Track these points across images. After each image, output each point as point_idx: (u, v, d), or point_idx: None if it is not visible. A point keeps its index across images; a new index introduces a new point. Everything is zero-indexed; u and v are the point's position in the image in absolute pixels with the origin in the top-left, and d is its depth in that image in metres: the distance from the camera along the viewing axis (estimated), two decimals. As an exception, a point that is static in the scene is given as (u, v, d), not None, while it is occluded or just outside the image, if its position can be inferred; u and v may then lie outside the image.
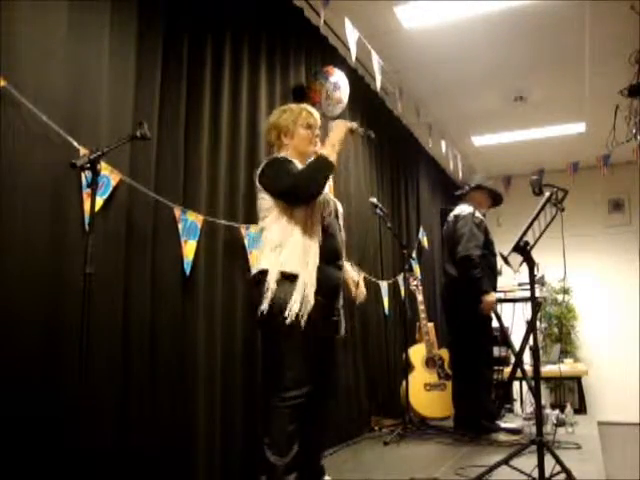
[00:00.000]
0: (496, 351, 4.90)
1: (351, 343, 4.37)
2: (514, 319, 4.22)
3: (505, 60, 4.91)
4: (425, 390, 4.71)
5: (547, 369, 6.01)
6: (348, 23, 3.86)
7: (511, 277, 4.28)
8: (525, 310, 4.21)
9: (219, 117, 3.09)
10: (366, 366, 4.66)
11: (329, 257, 2.55)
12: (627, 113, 4.13)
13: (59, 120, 2.15)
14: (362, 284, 2.92)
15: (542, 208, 2.91)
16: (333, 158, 2.48)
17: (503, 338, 4.73)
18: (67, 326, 2.11)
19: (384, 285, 5.11)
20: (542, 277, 4.93)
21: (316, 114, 2.70)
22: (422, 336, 4.90)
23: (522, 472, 2.72)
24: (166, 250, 2.67)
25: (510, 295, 4.40)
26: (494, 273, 4.24)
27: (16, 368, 1.94)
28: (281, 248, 2.43)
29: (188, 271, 2.72)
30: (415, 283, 5.04)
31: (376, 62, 4.27)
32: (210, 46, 3.05)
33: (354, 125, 2.64)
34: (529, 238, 2.80)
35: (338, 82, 3.90)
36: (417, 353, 4.83)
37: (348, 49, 4.01)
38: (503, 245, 3.08)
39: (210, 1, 3.06)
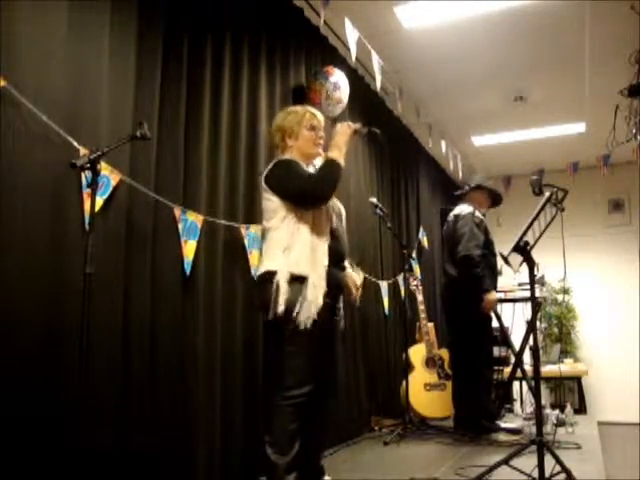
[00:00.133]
0: (496, 351, 4.90)
1: (351, 343, 4.37)
2: (514, 319, 4.22)
3: (505, 60, 4.91)
4: (425, 390, 4.71)
5: (547, 369, 6.00)
6: (348, 23, 3.86)
7: (511, 277, 4.28)
8: (525, 310, 4.21)
9: (219, 117, 3.09)
10: (366, 366, 4.66)
11: (334, 259, 2.60)
12: (627, 113, 4.13)
13: (59, 120, 2.15)
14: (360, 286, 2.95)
15: (542, 208, 2.92)
16: (341, 161, 2.53)
17: (503, 338, 4.73)
18: (67, 326, 2.11)
19: (384, 285, 5.11)
20: (542, 277, 4.93)
21: (320, 116, 2.71)
22: (422, 336, 4.91)
23: (522, 472, 2.72)
24: (166, 250, 2.67)
25: (510, 295, 4.41)
26: (494, 273, 4.24)
27: (16, 368, 1.94)
28: (290, 249, 2.44)
29: (188, 271, 2.72)
30: (415, 283, 5.04)
31: (376, 62, 4.27)
32: (210, 46, 3.05)
33: (358, 126, 2.67)
34: (529, 238, 2.80)
35: (338, 82, 3.90)
36: (417, 353, 4.83)
37: (348, 49, 4.01)
38: (503, 245, 3.08)
39: (210, 1, 3.06)
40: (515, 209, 5.33)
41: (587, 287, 7.55)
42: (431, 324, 5.03)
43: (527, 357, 4.60)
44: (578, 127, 6.41)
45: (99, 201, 2.25)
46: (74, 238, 2.19)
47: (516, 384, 5.77)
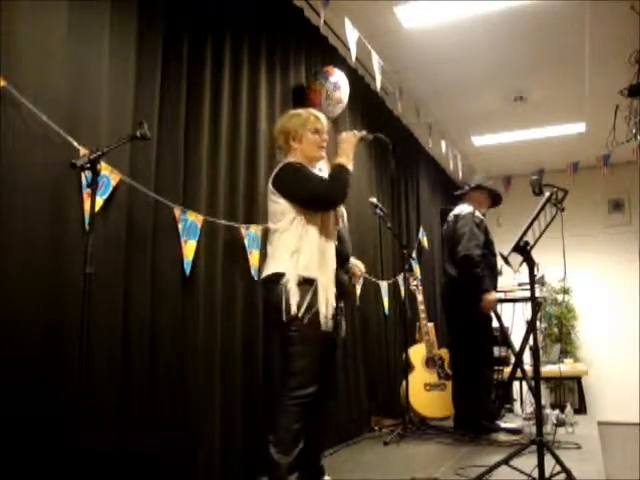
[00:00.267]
0: (496, 351, 4.89)
1: (351, 343, 4.36)
2: (514, 319, 4.21)
3: (505, 60, 4.91)
4: (425, 390, 4.71)
5: (547, 369, 6.00)
6: (348, 23, 3.86)
7: (511, 277, 4.28)
8: (525, 310, 4.21)
9: (219, 117, 3.09)
10: (366, 366, 4.66)
11: (339, 261, 2.64)
12: (627, 113, 4.13)
13: (59, 120, 2.15)
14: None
15: (542, 208, 2.92)
16: (350, 167, 2.59)
17: (503, 338, 4.73)
18: (67, 326, 2.11)
19: (384, 285, 5.11)
20: (542, 277, 4.93)
21: (324, 119, 2.71)
22: (422, 336, 4.91)
23: (522, 472, 2.72)
24: (166, 250, 2.67)
25: (510, 295, 4.40)
26: (494, 273, 4.24)
27: (16, 368, 1.94)
28: (299, 252, 2.45)
29: (188, 271, 2.72)
30: (415, 283, 5.04)
31: (376, 62, 4.27)
32: (210, 46, 3.05)
33: (363, 133, 2.71)
34: (529, 238, 2.80)
35: (338, 82, 3.90)
36: (417, 353, 4.83)
37: (348, 49, 4.01)
38: (503, 245, 3.08)
39: (210, 1, 3.06)
40: (515, 209, 5.33)
41: (587, 287, 7.54)
42: (431, 324, 5.03)
43: (527, 357, 4.60)
44: (578, 127, 6.41)
45: (99, 201, 2.25)
46: (74, 238, 2.19)
47: (516, 384, 5.78)
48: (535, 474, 2.63)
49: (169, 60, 2.76)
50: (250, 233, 3.18)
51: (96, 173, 2.04)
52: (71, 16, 2.25)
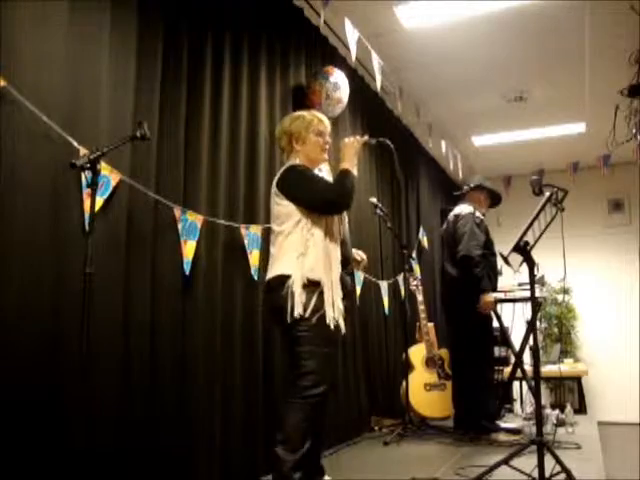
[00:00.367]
0: (496, 351, 4.89)
1: (351, 343, 4.36)
2: (514, 319, 4.21)
3: (505, 60, 4.91)
4: (425, 390, 4.71)
5: (547, 369, 6.00)
6: (348, 23, 3.86)
7: (511, 277, 4.27)
8: (525, 310, 4.21)
9: (219, 117, 3.09)
10: (366, 366, 4.66)
11: (343, 263, 2.67)
12: (627, 113, 4.12)
13: (59, 120, 2.15)
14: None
15: (542, 208, 2.92)
16: (354, 171, 2.62)
17: (503, 338, 4.73)
18: (67, 326, 2.11)
19: (384, 285, 5.11)
20: (542, 277, 4.93)
21: (326, 121, 2.73)
22: (422, 336, 4.90)
23: (522, 472, 2.72)
24: (166, 250, 2.67)
25: (510, 295, 4.40)
26: (494, 273, 4.24)
27: (16, 368, 1.94)
28: (305, 255, 2.47)
29: (188, 271, 2.72)
30: (415, 283, 5.04)
31: (376, 62, 4.27)
32: (210, 46, 3.05)
33: (366, 138, 2.73)
34: (529, 238, 2.80)
35: (338, 82, 3.90)
36: (417, 353, 4.83)
37: (348, 49, 4.01)
38: (503, 245, 3.07)
39: (210, 1, 3.06)
40: (515, 209, 5.33)
41: (587, 287, 7.54)
42: (431, 324, 5.02)
43: (527, 357, 4.59)
44: (578, 127, 6.41)
45: (99, 201, 2.25)
46: (74, 238, 2.19)
47: (516, 384, 5.77)
48: (535, 474, 2.63)
49: (169, 60, 2.76)
50: (250, 233, 3.18)
51: (96, 173, 2.04)
52: (71, 16, 2.25)
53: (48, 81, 2.15)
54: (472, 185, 4.40)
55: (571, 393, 6.90)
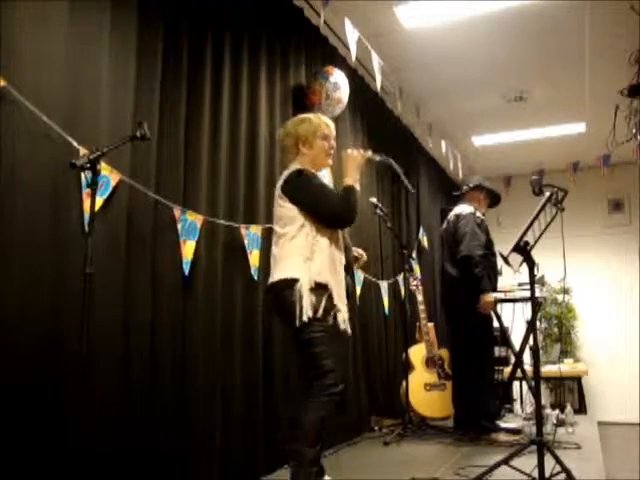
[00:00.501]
0: (496, 351, 4.89)
1: (351, 343, 4.36)
2: (514, 319, 4.21)
3: (505, 60, 4.91)
4: (425, 390, 4.71)
5: (547, 369, 6.00)
6: (348, 23, 3.86)
7: (511, 277, 4.27)
8: (525, 310, 4.21)
9: (219, 117, 3.09)
10: (366, 366, 4.66)
11: (345, 268, 2.69)
12: (627, 113, 4.12)
13: (59, 120, 2.15)
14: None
15: (542, 208, 2.92)
16: (357, 187, 2.65)
17: (503, 338, 4.73)
18: (67, 326, 2.11)
19: (384, 285, 5.11)
20: (542, 277, 4.92)
21: (332, 125, 2.74)
22: (422, 336, 4.90)
23: (522, 472, 2.72)
24: (166, 250, 2.68)
25: (510, 295, 4.40)
26: (494, 273, 4.24)
27: (16, 368, 1.94)
28: (311, 259, 2.49)
29: (187, 271, 2.72)
30: (415, 283, 5.04)
31: (376, 62, 4.27)
32: (210, 46, 3.05)
33: (369, 154, 2.75)
34: (529, 238, 2.80)
35: (338, 82, 3.90)
36: (417, 353, 4.83)
37: (348, 49, 4.01)
38: (503, 245, 3.07)
39: (210, 1, 3.06)
40: (515, 209, 5.33)
41: (587, 287, 7.54)
42: (431, 324, 5.03)
43: (527, 357, 4.59)
44: (578, 127, 6.40)
45: (99, 201, 2.25)
46: (74, 238, 2.19)
47: (516, 384, 5.77)
48: (535, 474, 2.63)
49: (169, 60, 2.76)
50: (250, 233, 3.18)
51: (96, 173, 2.04)
52: (71, 16, 2.25)
53: (48, 81, 2.15)
54: (471, 185, 4.40)
55: (571, 393, 6.90)
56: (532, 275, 2.83)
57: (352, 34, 3.87)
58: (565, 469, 2.60)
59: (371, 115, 5.10)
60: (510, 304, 4.41)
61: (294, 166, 2.63)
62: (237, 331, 3.09)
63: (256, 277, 3.19)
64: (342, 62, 4.46)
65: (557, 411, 4.30)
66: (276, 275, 2.53)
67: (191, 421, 2.69)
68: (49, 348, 2.06)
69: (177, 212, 2.70)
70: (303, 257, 2.48)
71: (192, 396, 2.71)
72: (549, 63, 4.98)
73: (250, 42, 3.40)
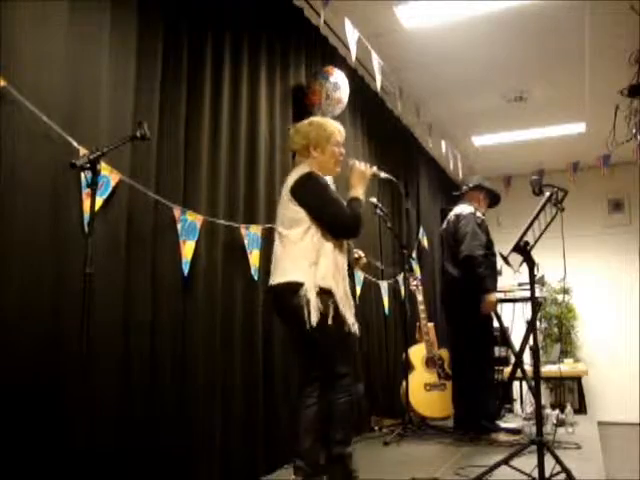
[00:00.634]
0: (496, 351, 4.89)
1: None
2: (514, 319, 4.21)
3: (505, 60, 4.91)
4: (425, 390, 4.71)
5: (547, 369, 6.00)
6: (348, 23, 3.85)
7: (511, 277, 4.27)
8: (525, 310, 4.21)
9: (219, 117, 3.09)
10: (366, 366, 4.65)
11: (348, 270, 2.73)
12: (627, 113, 4.12)
13: (59, 120, 2.15)
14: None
15: (542, 208, 2.92)
16: (363, 199, 2.72)
17: (503, 338, 4.73)
18: (67, 326, 2.11)
19: (384, 285, 5.11)
20: (542, 277, 4.93)
21: (344, 133, 2.79)
22: (422, 336, 4.90)
23: (522, 472, 2.72)
24: (166, 250, 2.68)
25: (510, 295, 4.40)
26: (495, 273, 4.24)
27: (16, 368, 1.94)
28: (317, 264, 2.50)
29: (186, 271, 2.72)
30: (415, 283, 5.04)
31: (376, 62, 4.27)
32: (210, 46, 3.05)
33: (374, 170, 2.83)
34: (529, 238, 2.80)
35: (338, 82, 3.90)
36: (417, 353, 4.83)
37: (348, 49, 4.01)
38: (503, 245, 3.07)
39: (210, 1, 3.06)
40: (515, 209, 5.33)
41: (587, 287, 7.54)
42: (431, 324, 5.03)
43: (527, 357, 4.59)
44: (578, 127, 6.41)
45: (99, 201, 2.25)
46: (74, 238, 2.19)
47: (516, 384, 5.77)
48: (535, 474, 2.63)
49: (169, 60, 2.76)
50: (250, 233, 3.18)
51: (96, 173, 2.04)
52: (71, 16, 2.25)
53: (48, 81, 2.15)
54: (471, 185, 4.40)
55: (571, 393, 6.90)
56: (532, 275, 2.83)
57: (352, 34, 3.87)
58: (565, 469, 2.60)
59: (371, 115, 5.10)
60: (510, 304, 4.42)
61: (303, 168, 2.64)
62: (237, 331, 3.09)
63: (256, 277, 3.19)
64: (342, 62, 4.46)
65: (557, 411, 4.30)
66: (280, 278, 2.53)
67: (191, 421, 2.69)
68: (49, 348, 2.06)
69: (177, 212, 2.70)
70: (308, 261, 2.49)
71: (192, 396, 2.71)
72: (549, 63, 4.98)
73: (250, 42, 3.40)
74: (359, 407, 2.67)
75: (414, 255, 5.97)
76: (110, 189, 2.35)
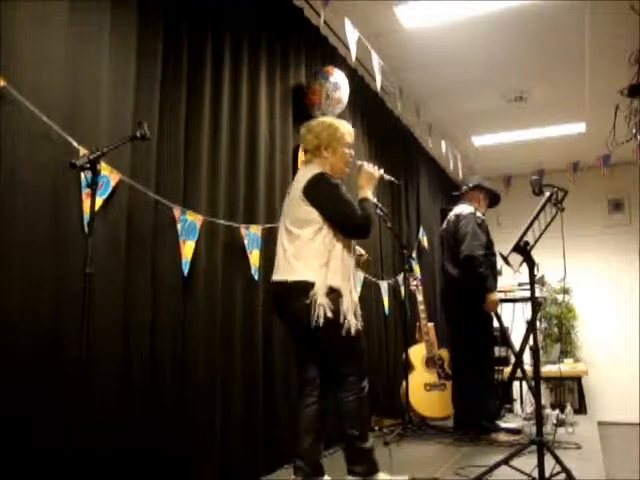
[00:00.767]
0: (496, 351, 4.89)
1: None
2: (514, 319, 4.21)
3: (505, 60, 4.91)
4: (425, 390, 4.70)
5: (547, 369, 6.00)
6: (348, 23, 3.85)
7: (511, 277, 4.28)
8: (525, 310, 4.21)
9: (219, 117, 3.09)
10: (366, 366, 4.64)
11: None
12: (627, 113, 4.12)
13: (59, 120, 2.15)
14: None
15: (542, 208, 2.92)
16: (372, 201, 2.80)
17: (503, 338, 4.73)
18: (67, 326, 2.11)
19: (384, 285, 5.11)
20: (542, 277, 4.93)
21: (353, 133, 2.82)
22: (422, 336, 4.90)
23: (522, 472, 2.72)
24: (166, 250, 2.67)
25: (510, 295, 4.41)
26: (495, 273, 4.24)
27: (16, 369, 1.94)
28: (327, 265, 2.53)
29: (186, 271, 2.72)
30: (415, 283, 5.04)
31: (376, 62, 4.27)
32: (210, 46, 3.05)
33: (381, 172, 2.92)
34: (529, 238, 2.80)
35: (338, 82, 3.90)
36: (417, 353, 4.82)
37: (348, 49, 4.01)
38: (503, 245, 3.07)
39: (210, 1, 3.06)
40: (515, 209, 5.33)
41: (587, 287, 7.54)
42: (431, 324, 5.02)
43: (527, 357, 4.60)
44: (578, 127, 6.40)
45: (99, 201, 2.25)
46: (74, 238, 2.19)
47: (516, 384, 5.77)
48: (535, 474, 2.63)
49: (169, 60, 2.76)
50: (250, 233, 3.18)
51: (96, 173, 2.04)
52: (71, 16, 2.25)
53: (48, 81, 2.15)
54: (471, 185, 4.40)
55: (571, 393, 6.90)
56: (532, 275, 2.83)
57: (352, 34, 3.87)
58: (565, 469, 2.60)
59: (371, 115, 5.10)
60: (510, 304, 4.42)
61: (314, 168, 2.66)
62: (237, 331, 3.09)
63: (256, 277, 3.19)
64: (342, 62, 4.46)
65: (557, 411, 4.30)
66: (288, 276, 2.54)
67: (191, 421, 2.69)
68: (49, 348, 2.06)
69: (177, 212, 2.70)
70: (320, 262, 2.52)
71: (192, 396, 2.71)
72: (549, 63, 4.98)
73: (250, 42, 3.40)
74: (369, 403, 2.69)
75: (414, 255, 5.97)
76: (110, 189, 2.35)
